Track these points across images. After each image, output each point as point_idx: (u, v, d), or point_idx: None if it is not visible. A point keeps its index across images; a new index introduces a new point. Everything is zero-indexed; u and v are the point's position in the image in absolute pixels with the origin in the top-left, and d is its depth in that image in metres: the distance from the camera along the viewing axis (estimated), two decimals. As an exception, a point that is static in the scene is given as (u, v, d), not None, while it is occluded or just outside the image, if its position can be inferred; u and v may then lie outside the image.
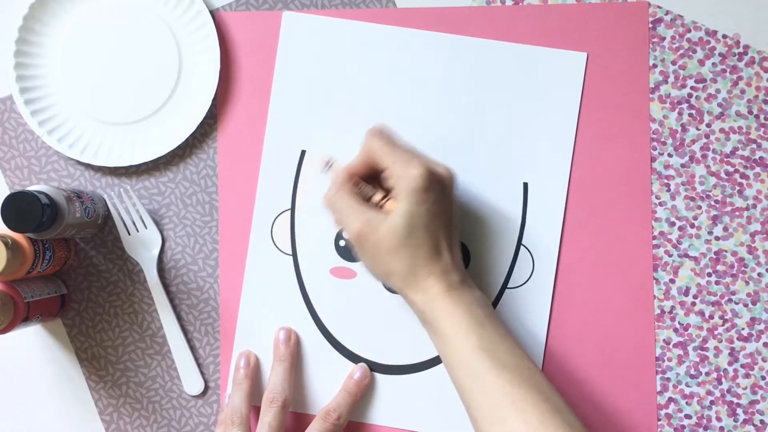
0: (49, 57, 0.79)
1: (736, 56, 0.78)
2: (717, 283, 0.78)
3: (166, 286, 0.79)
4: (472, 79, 0.78)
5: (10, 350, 0.79)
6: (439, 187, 0.70)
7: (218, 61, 0.78)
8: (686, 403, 0.78)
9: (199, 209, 0.79)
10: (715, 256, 0.78)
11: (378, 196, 0.72)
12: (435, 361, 0.78)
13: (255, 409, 0.77)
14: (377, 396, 0.78)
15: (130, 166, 0.79)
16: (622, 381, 0.77)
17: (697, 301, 0.78)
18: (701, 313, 0.78)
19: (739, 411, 0.78)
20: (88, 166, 0.80)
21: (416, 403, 0.78)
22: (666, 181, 0.78)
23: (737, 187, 0.78)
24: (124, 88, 0.79)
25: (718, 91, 0.78)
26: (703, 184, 0.78)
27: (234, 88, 0.79)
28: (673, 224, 0.78)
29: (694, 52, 0.78)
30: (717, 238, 0.78)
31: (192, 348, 0.79)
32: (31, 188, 0.70)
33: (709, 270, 0.78)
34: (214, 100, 0.79)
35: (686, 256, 0.78)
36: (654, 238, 0.78)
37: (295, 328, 0.78)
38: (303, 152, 0.79)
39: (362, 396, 0.77)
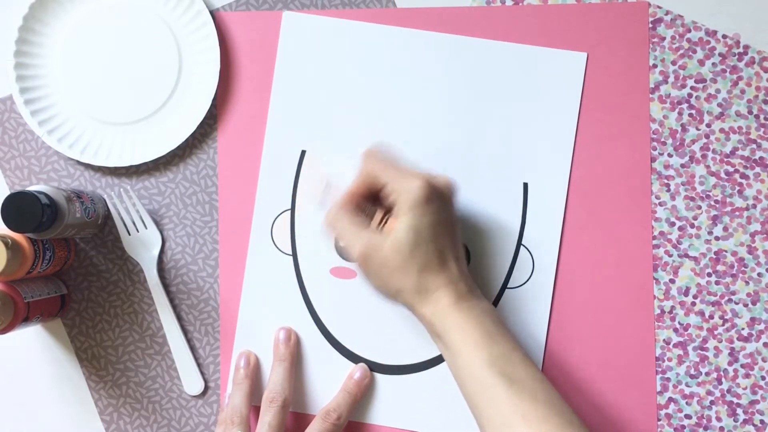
0: (49, 57, 0.79)
1: (736, 56, 0.78)
2: (717, 283, 0.78)
3: (166, 286, 0.79)
4: (472, 79, 0.78)
5: (10, 350, 0.79)
6: (439, 198, 0.69)
7: (218, 61, 0.78)
8: (686, 403, 0.78)
9: (199, 209, 0.79)
10: (715, 256, 0.78)
11: (378, 216, 0.72)
12: (435, 361, 0.78)
13: (255, 409, 0.77)
14: (377, 396, 0.78)
15: (130, 166, 0.79)
16: (622, 381, 0.77)
17: (697, 301, 0.78)
18: (701, 313, 0.78)
19: (739, 411, 0.78)
20: (88, 166, 0.79)
21: (416, 403, 0.78)
22: (666, 181, 0.78)
23: (737, 187, 0.78)
24: (124, 88, 0.79)
25: (718, 91, 0.78)
26: (703, 184, 0.78)
27: (234, 88, 0.79)
28: (673, 224, 0.78)
29: (694, 52, 0.78)
30: (717, 238, 0.78)
31: (192, 348, 0.79)
32: (31, 188, 0.70)
33: (709, 270, 0.78)
34: (214, 100, 0.79)
35: (686, 256, 0.78)
36: (654, 238, 0.78)
37: (295, 328, 0.78)
38: (303, 152, 0.79)
39: (362, 396, 0.77)
